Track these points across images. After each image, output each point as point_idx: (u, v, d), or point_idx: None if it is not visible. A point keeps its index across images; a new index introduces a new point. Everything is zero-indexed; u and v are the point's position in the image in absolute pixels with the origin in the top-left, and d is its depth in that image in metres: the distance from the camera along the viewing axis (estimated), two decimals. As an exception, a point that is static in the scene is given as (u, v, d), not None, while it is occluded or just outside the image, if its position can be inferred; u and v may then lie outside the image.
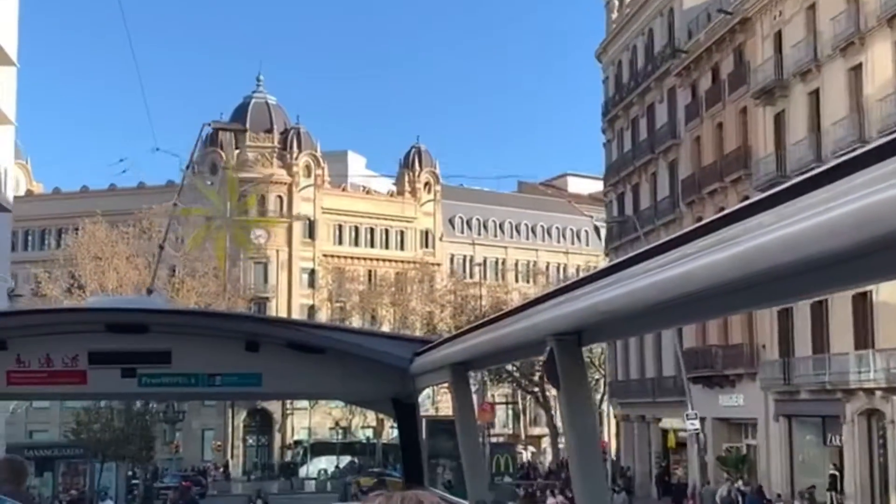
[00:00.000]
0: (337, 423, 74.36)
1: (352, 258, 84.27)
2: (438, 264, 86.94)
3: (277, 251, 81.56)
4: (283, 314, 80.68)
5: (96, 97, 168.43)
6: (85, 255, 66.69)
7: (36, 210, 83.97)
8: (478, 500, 4.43)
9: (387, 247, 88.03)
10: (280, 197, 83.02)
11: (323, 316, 79.00)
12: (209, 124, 31.64)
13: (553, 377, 2.73)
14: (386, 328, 78.03)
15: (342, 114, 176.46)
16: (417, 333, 78.89)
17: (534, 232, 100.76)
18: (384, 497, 1.93)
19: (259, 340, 5.30)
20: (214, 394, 6.54)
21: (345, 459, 71.28)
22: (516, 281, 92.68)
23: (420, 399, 5.54)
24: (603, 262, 66.04)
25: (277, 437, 79.31)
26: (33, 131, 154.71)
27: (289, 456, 74.45)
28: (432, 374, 4.71)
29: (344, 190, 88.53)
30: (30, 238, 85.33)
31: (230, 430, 77.41)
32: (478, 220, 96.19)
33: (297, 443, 75.86)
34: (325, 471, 71.83)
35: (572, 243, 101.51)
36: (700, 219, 14.25)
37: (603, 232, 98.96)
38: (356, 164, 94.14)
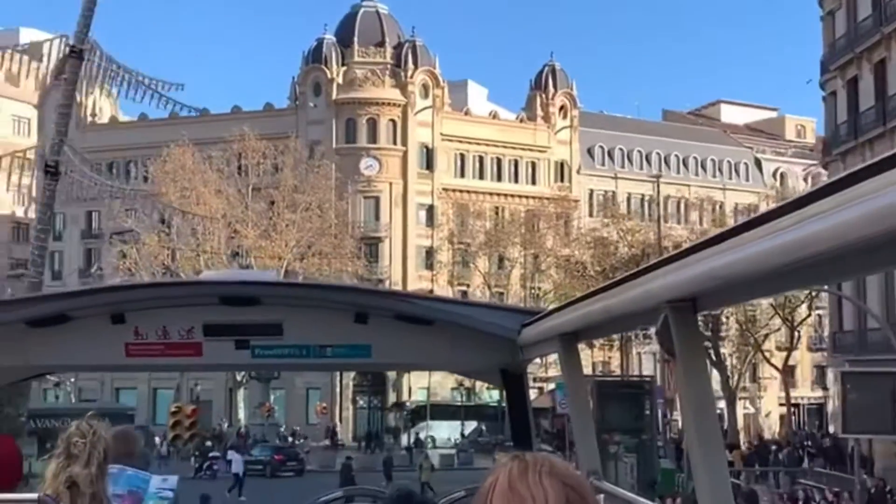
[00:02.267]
0: (461, 384, 65.63)
1: (476, 192, 77.46)
2: (576, 200, 77.27)
3: (390, 184, 75.24)
4: (396, 256, 73.12)
5: (186, 11, 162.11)
6: (170, 186, 59.25)
7: (120, 139, 77.51)
8: (589, 469, 4.47)
9: (516, 180, 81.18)
10: (393, 121, 76.21)
11: (443, 257, 70.73)
12: None
13: (668, 345, 2.77)
14: (516, 273, 69.33)
15: (461, 38, 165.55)
16: (554, 277, 70.57)
17: (685, 164, 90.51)
18: (518, 460, 1.95)
19: (368, 312, 5.50)
20: (325, 364, 6.50)
21: (470, 426, 62.75)
22: (665, 220, 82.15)
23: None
24: (824, 176, 55.95)
25: (392, 397, 71.12)
26: (126, 54, 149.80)
27: (403, 421, 65.77)
28: (541, 345, 4.84)
29: (467, 114, 79.92)
30: (114, 171, 78.45)
31: (338, 390, 69.54)
32: (621, 150, 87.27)
33: (398, 405, 67.40)
34: (449, 439, 63.45)
35: (729, 178, 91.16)
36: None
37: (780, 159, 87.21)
38: (477, 97, 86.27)
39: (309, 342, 5.65)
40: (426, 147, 76.90)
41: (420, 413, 65.11)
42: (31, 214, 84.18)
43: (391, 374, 70.38)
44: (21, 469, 4.76)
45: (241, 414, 62.56)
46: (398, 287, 72.74)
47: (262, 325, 5.51)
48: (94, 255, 73.68)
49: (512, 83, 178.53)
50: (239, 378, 59.66)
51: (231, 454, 38.35)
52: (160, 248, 62.93)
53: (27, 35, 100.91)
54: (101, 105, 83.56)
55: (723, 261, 2.24)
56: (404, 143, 75.72)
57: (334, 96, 74.91)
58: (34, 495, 3.58)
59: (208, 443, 47.93)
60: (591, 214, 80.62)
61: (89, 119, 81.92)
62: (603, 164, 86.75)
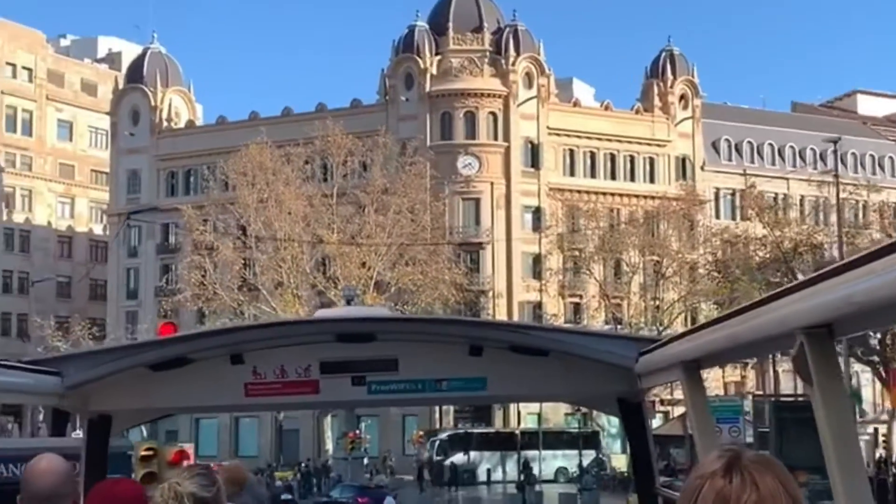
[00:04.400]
0: (576, 409, 58.68)
1: (587, 192, 71.82)
2: (702, 200, 70.08)
3: (491, 184, 70.47)
4: (500, 264, 67.33)
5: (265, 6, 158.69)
6: (242, 183, 54.16)
7: (198, 144, 73.33)
8: None
9: (632, 178, 76.09)
10: (493, 114, 71.59)
11: (552, 264, 64.67)
12: None
13: (804, 373, 2.83)
14: (636, 283, 62.52)
15: (563, 29, 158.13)
16: (682, 284, 63.58)
17: (822, 159, 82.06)
18: (735, 455, 2.01)
19: (482, 345, 5.62)
20: (440, 399, 6.91)
21: (588, 455, 55.96)
22: (802, 222, 74.53)
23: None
24: None
25: (498, 423, 64.68)
26: (196, 54, 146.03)
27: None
28: (661, 373, 4.84)
29: (575, 105, 73.56)
30: (191, 178, 74.24)
31: (437, 416, 63.28)
32: (750, 144, 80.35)
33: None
34: (565, 470, 56.55)
35: (873, 173, 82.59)
36: None
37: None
38: (583, 96, 79.44)
39: (424, 376, 5.83)
40: (531, 142, 71.78)
41: (531, 442, 58.29)
42: (107, 231, 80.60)
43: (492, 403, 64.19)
44: None
45: (329, 445, 56.77)
46: (502, 298, 66.78)
47: (378, 360, 5.71)
48: (171, 270, 68.88)
49: (622, 79, 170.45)
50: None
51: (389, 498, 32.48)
52: (236, 257, 57.84)
53: (105, 44, 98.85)
54: (177, 108, 79.45)
55: (862, 286, 2.28)
56: (506, 138, 70.68)
57: (428, 88, 69.96)
58: None
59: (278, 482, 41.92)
60: (717, 216, 73.56)
61: (165, 124, 77.61)
62: (730, 160, 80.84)
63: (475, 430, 62.12)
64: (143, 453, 10.72)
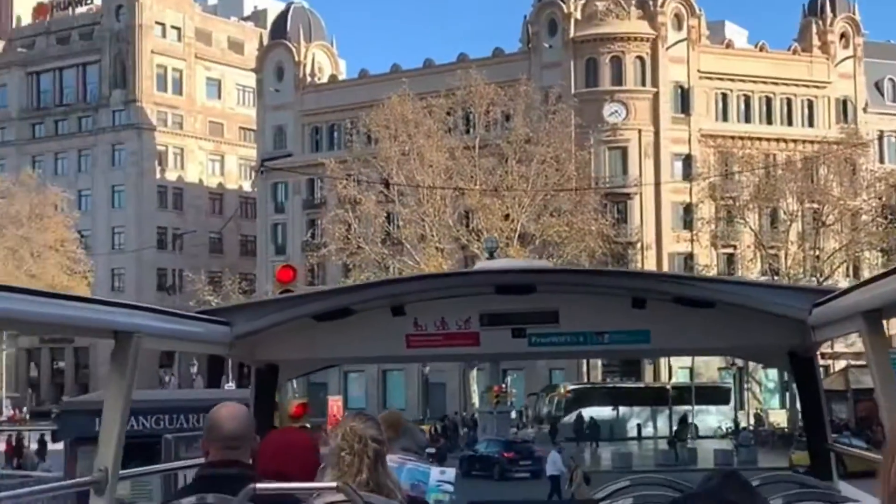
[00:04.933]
0: (731, 363, 56.63)
1: (741, 138, 68.40)
2: (865, 143, 66.38)
3: (639, 131, 68.03)
4: (648, 214, 65.63)
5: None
6: (384, 136, 53.72)
7: (340, 98, 73.40)
8: None
9: (790, 122, 72.52)
10: (641, 59, 69.13)
11: (704, 214, 62.37)
12: None
13: None
14: (794, 232, 59.76)
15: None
16: (843, 232, 60.55)
17: None
18: None
19: (646, 297, 5.54)
20: (602, 352, 6.93)
21: (721, 412, 54.76)
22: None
23: None
24: None
25: (648, 377, 63.19)
26: (338, 9, 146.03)
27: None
28: (837, 325, 4.65)
29: (728, 47, 70.63)
30: (335, 132, 74.40)
31: (585, 370, 62.09)
32: None
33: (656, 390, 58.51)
34: (720, 429, 54.63)
35: None
36: None
37: None
38: (736, 39, 77.65)
39: (585, 329, 5.79)
40: (681, 87, 69.17)
41: (683, 397, 56.52)
42: (249, 188, 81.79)
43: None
44: (317, 460, 4.26)
45: (475, 399, 56.28)
46: (651, 250, 64.87)
47: (538, 312, 5.67)
48: (316, 225, 69.29)
49: (777, 20, 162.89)
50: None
51: (553, 453, 31.94)
52: (379, 211, 57.67)
53: (250, 1, 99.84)
54: (320, 62, 79.64)
55: None
56: (655, 83, 68.24)
57: (572, 34, 68.03)
58: (333, 483, 3.63)
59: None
60: (881, 160, 69.85)
61: (309, 79, 77.87)
62: (895, 101, 75.49)
63: (597, 385, 60.32)
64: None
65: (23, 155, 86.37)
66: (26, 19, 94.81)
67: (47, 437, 38.69)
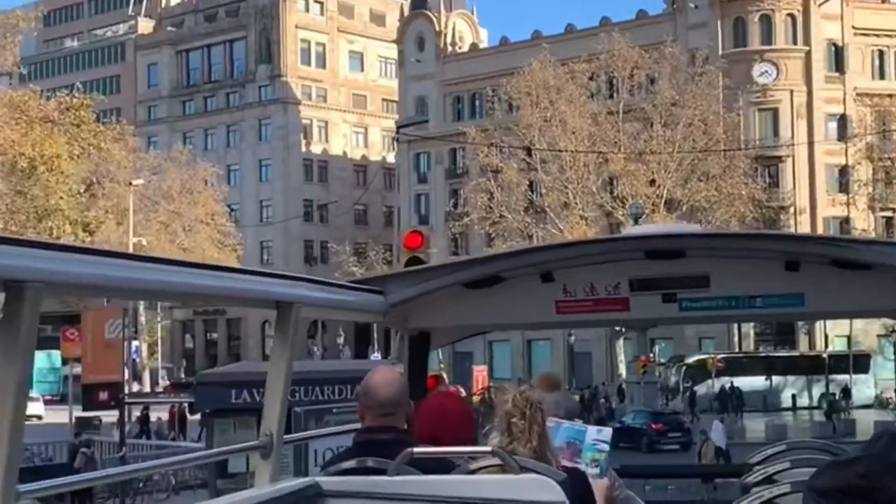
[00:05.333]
0: (892, 329, 54.28)
1: (901, 96, 64.58)
2: None
3: (791, 92, 65.51)
4: (801, 177, 63.71)
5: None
6: (526, 103, 53.20)
7: (482, 67, 73.07)
8: None
9: None
10: (791, 16, 66.48)
11: (861, 176, 60.23)
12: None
13: None
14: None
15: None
16: None
17: None
18: None
19: (800, 259, 5.47)
20: (754, 315, 7.02)
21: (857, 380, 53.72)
22: None
23: None
24: None
25: (803, 346, 61.09)
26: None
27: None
28: None
29: (884, 2, 67.75)
30: (476, 101, 74.09)
31: (736, 339, 60.49)
32: None
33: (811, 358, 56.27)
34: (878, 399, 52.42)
35: None
36: None
37: None
38: None
39: (737, 293, 5.69)
40: (834, 45, 66.45)
41: (840, 366, 54.47)
42: (392, 159, 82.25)
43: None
44: (469, 429, 4.40)
45: (622, 368, 55.49)
46: (805, 214, 62.72)
47: (689, 277, 5.63)
48: (459, 194, 69.25)
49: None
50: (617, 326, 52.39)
51: (716, 422, 31.41)
52: (521, 179, 57.21)
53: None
54: (461, 31, 79.38)
55: None
56: (806, 41, 65.65)
57: (719, -7, 65.44)
58: (488, 448, 3.73)
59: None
60: None
61: (449, 48, 77.71)
62: None
63: (732, 355, 58.00)
64: None
65: (174, 132, 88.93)
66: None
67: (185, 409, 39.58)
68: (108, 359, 25.86)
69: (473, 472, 3.74)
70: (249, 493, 3.90)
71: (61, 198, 36.08)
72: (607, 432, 4.81)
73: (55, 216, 35.69)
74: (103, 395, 25.28)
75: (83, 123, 36.64)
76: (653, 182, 53.89)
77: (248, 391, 12.34)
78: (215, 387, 13.40)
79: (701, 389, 52.52)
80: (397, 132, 39.84)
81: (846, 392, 49.85)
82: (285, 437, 4.30)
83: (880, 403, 53.51)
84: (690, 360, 56.47)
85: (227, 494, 4.13)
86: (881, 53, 67.47)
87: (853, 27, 66.13)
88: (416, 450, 3.69)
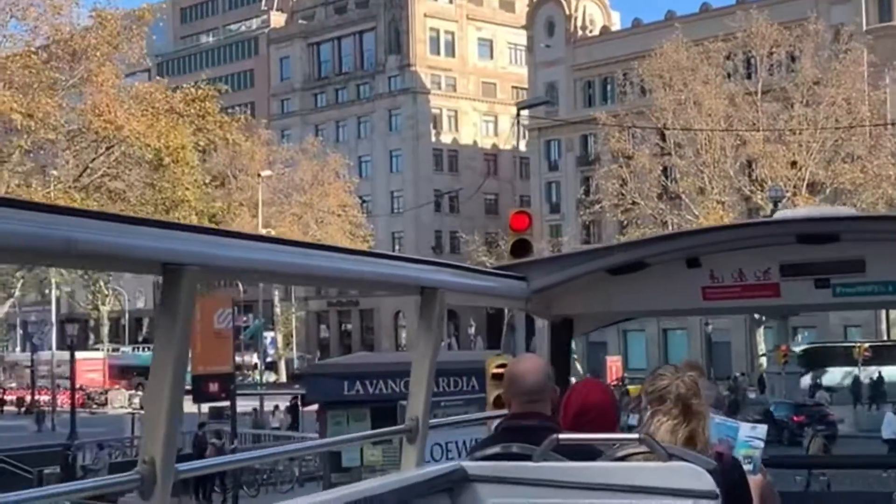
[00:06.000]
0: None
1: None
2: None
3: None
4: (955, 156, 59.23)
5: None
6: (658, 85, 51.93)
7: (613, 50, 71.76)
8: None
9: None
10: None
11: None
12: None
13: None
14: None
15: None
16: None
17: None
18: None
19: None
20: None
21: None
22: None
23: None
24: None
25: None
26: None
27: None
28: None
29: None
30: (608, 86, 72.72)
31: (884, 326, 57.81)
32: None
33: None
34: None
35: None
36: None
37: None
38: None
39: (894, 278, 5.52)
40: None
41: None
42: (523, 147, 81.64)
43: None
44: (615, 420, 4.41)
45: (762, 359, 53.65)
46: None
47: (843, 261, 5.47)
48: (590, 182, 68.12)
49: None
50: (757, 315, 50.56)
51: (889, 414, 30.05)
52: (654, 164, 55.81)
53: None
54: (591, 14, 78.05)
55: None
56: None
57: (863, -34, 62.45)
58: (635, 435, 3.70)
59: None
60: None
61: (580, 33, 76.48)
62: None
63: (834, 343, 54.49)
64: (496, 371, 8.48)
65: (306, 125, 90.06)
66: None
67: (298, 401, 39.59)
68: (218, 349, 25.57)
69: (620, 458, 3.69)
70: (397, 476, 3.98)
71: (187, 189, 36.56)
72: (762, 429, 4.78)
73: (182, 207, 36.21)
74: (213, 387, 25.09)
75: (208, 114, 37.06)
76: (794, 164, 51.84)
77: (360, 383, 11.93)
78: (327, 378, 13.04)
79: (824, 378, 49.81)
80: (517, 114, 39.16)
81: None
82: (431, 421, 4.35)
83: None
84: (799, 348, 53.49)
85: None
86: None
87: None
88: (561, 436, 3.70)
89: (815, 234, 5.45)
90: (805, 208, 18.72)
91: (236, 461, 8.26)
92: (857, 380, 49.08)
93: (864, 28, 60.65)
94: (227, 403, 29.29)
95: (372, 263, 3.65)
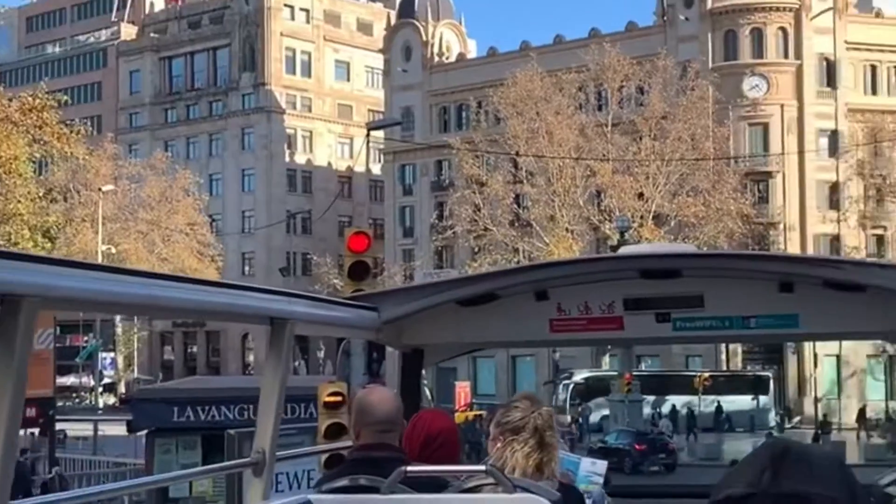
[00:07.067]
0: (882, 350, 53.61)
1: (893, 112, 64.64)
2: None
3: (782, 107, 64.82)
4: (791, 193, 63.09)
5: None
6: (512, 114, 52.77)
7: (469, 77, 72.44)
8: None
9: None
10: (783, 30, 66.11)
11: (852, 193, 59.36)
12: None
13: None
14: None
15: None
16: None
17: None
18: None
19: (794, 280, 5.52)
20: (749, 336, 7.30)
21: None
22: None
23: None
24: None
25: (791, 366, 60.22)
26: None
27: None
28: None
29: (878, 16, 67.05)
30: (463, 112, 73.31)
31: (724, 357, 59.69)
32: None
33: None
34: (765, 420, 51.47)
35: None
36: None
37: None
38: (885, 6, 72.33)
39: (731, 313, 5.73)
40: (826, 59, 65.69)
41: (717, 387, 53.00)
42: (378, 170, 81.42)
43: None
44: (459, 446, 4.52)
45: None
46: (795, 231, 62.05)
47: (683, 297, 5.66)
48: (445, 207, 68.39)
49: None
50: (603, 343, 51.53)
51: None
52: (507, 191, 56.45)
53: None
54: (448, 41, 78.68)
55: None
56: (798, 55, 64.96)
57: (710, 5, 65.46)
58: (482, 467, 3.70)
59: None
60: None
61: (436, 59, 76.97)
62: None
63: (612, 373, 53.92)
64: (328, 399, 8.13)
65: (155, 140, 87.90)
66: (159, 5, 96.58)
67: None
68: (37, 372, 24.13)
69: (468, 490, 3.68)
70: None
71: (20, 202, 34.94)
72: (602, 465, 4.85)
73: (14, 221, 34.60)
74: (30, 412, 23.64)
75: (46, 125, 35.51)
76: (641, 195, 53.20)
77: (191, 409, 11.44)
78: (156, 403, 12.48)
79: (594, 408, 50.31)
80: (367, 135, 39.20)
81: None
82: (278, 453, 4.31)
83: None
84: (579, 377, 53.91)
85: None
86: (874, 68, 66.89)
87: (846, 41, 65.54)
88: (409, 468, 3.66)
89: (657, 270, 5.59)
90: (648, 245, 19.35)
91: (62, 500, 7.61)
92: (695, 409, 50.47)
93: (710, 66, 62.80)
94: (61, 427, 28.00)
95: (221, 294, 3.60)
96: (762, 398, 55.34)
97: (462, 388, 58.33)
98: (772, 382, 56.59)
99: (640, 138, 55.12)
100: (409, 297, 5.80)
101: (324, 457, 7.11)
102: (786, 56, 64.92)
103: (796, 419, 56.86)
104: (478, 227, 57.53)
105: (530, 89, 55.98)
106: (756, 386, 55.83)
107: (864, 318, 5.58)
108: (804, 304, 5.54)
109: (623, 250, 7.04)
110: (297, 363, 72.35)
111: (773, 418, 54.39)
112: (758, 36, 64.97)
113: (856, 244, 61.08)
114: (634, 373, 47.61)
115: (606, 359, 55.79)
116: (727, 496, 1.75)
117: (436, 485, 3.79)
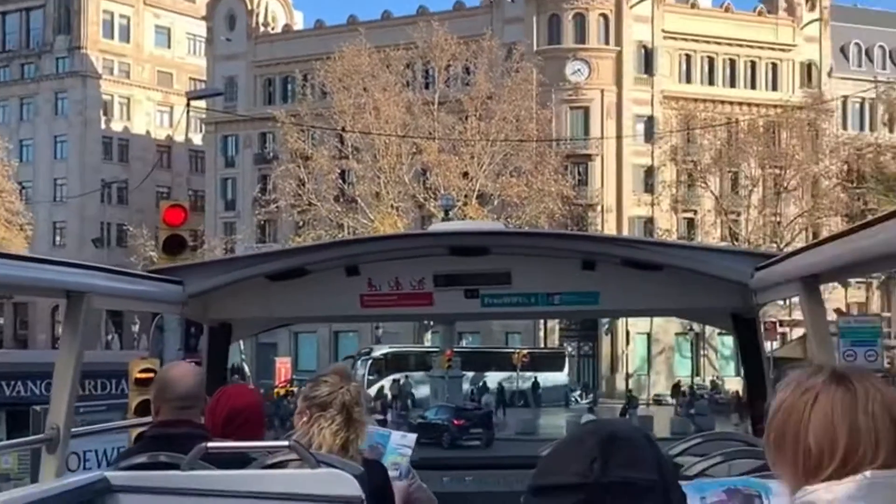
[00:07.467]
0: (689, 328, 55.86)
1: (704, 100, 67.46)
2: (828, 109, 65.54)
3: (602, 91, 66.83)
4: (609, 176, 64.66)
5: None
6: (338, 88, 52.20)
7: (295, 49, 71.18)
8: None
9: (753, 85, 71.26)
10: (604, 16, 67.87)
11: (665, 177, 61.45)
12: None
13: None
14: (755, 197, 59.08)
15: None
16: (804, 199, 59.92)
17: (960, 65, 77.05)
18: (842, 386, 1.87)
19: (595, 259, 5.71)
20: (553, 312, 7.52)
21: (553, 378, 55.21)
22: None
23: None
24: None
25: (605, 343, 62.04)
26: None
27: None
28: (777, 288, 4.85)
29: (693, 7, 69.28)
30: (288, 85, 72.18)
31: (542, 334, 61.03)
32: (881, 48, 75.28)
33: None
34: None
35: None
36: None
37: None
38: (701, 1, 74.21)
39: (537, 290, 5.88)
40: (644, 47, 67.88)
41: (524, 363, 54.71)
42: (199, 141, 79.42)
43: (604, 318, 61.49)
44: (263, 422, 4.49)
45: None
46: (612, 213, 63.85)
47: (491, 274, 5.78)
48: (268, 180, 67.32)
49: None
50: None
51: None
52: (333, 167, 55.98)
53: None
54: (273, 11, 77.29)
55: None
56: (618, 42, 66.92)
57: (535, -11, 65.87)
58: (285, 442, 3.69)
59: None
60: (844, 126, 69.16)
61: (262, 29, 75.53)
62: (859, 66, 75.52)
63: (412, 349, 56.04)
64: (140, 376, 7.96)
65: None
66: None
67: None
68: None
69: (270, 466, 3.69)
70: (35, 489, 3.80)
71: None
72: (411, 438, 4.90)
73: None
74: None
75: None
76: (466, 175, 53.71)
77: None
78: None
79: (386, 384, 51.12)
80: (188, 104, 38.03)
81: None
82: (73, 430, 4.23)
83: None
84: (378, 352, 54.52)
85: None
86: (688, 57, 69.49)
87: (663, 30, 67.86)
88: (210, 444, 3.63)
89: (466, 247, 5.67)
90: (459, 223, 19.63)
91: None
92: (514, 385, 51.49)
93: (535, 49, 63.84)
94: None
95: (12, 266, 3.47)
96: (559, 374, 56.63)
97: (283, 364, 57.75)
98: (567, 359, 58.19)
99: (466, 118, 55.60)
100: (216, 270, 5.71)
101: (134, 434, 6.96)
102: (606, 42, 66.75)
103: (591, 395, 57.58)
104: (302, 201, 56.92)
105: (357, 64, 55.66)
106: (556, 362, 57.06)
107: (661, 296, 5.76)
108: (604, 282, 5.69)
109: (433, 227, 7.08)
110: (110, 337, 70.11)
111: (572, 395, 55.82)
112: (580, 21, 66.51)
113: (668, 227, 63.39)
114: (455, 349, 48.23)
115: (428, 335, 56.16)
116: (554, 484, 1.71)
117: (239, 461, 3.76)
